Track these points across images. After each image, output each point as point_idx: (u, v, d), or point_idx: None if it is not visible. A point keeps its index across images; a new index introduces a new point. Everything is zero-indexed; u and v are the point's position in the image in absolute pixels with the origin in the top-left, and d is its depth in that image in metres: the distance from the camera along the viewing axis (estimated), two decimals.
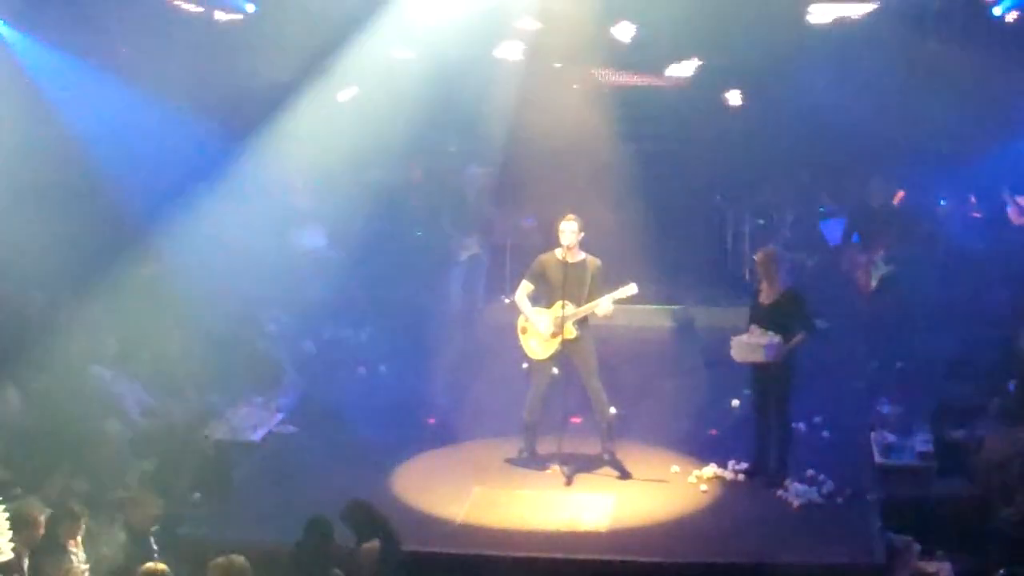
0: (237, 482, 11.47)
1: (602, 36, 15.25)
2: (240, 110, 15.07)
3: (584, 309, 11.40)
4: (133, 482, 10.96)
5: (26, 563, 8.92)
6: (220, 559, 8.46)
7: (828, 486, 11.22)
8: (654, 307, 15.19)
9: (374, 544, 9.25)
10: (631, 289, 11.42)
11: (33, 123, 13.34)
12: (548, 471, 11.59)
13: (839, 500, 11.10)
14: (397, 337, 15.06)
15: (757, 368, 11.39)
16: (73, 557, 9.15)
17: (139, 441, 11.58)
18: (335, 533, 9.28)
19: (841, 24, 14.94)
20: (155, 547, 9.56)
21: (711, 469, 11.60)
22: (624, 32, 15.23)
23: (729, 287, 15.85)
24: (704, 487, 11.39)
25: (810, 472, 11.41)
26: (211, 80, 14.81)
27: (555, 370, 11.56)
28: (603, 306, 11.34)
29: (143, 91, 14.16)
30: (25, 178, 13.09)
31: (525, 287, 11.64)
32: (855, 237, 15.23)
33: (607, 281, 11.51)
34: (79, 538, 9.29)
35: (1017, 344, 12.61)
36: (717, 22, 14.81)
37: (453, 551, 10.21)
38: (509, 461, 11.84)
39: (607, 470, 11.64)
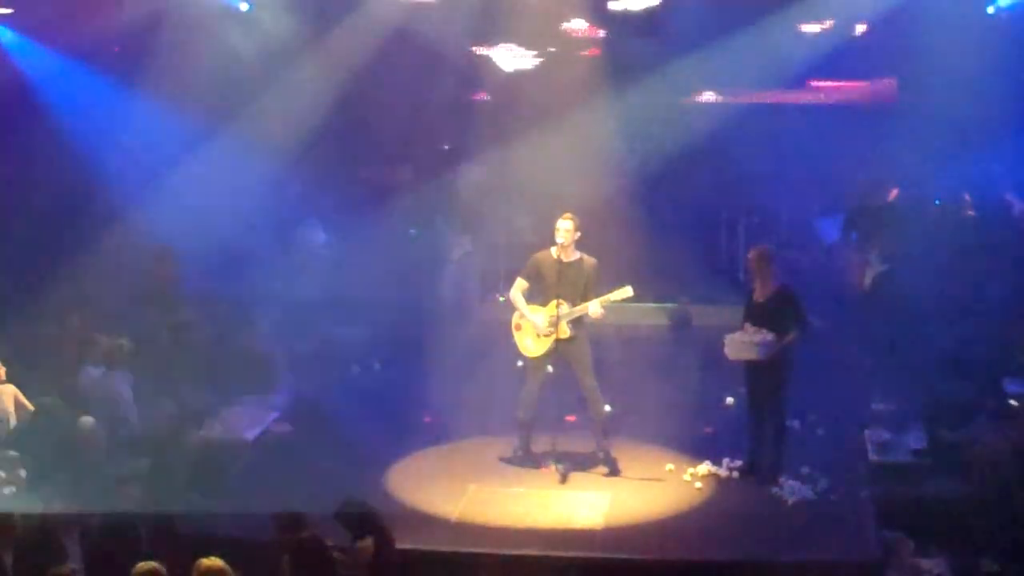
0: (231, 481, 11.46)
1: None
2: (236, 108, 15.07)
3: (578, 310, 11.36)
4: (124, 481, 10.97)
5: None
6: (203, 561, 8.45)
7: (822, 483, 11.23)
8: (649, 305, 15.19)
9: (368, 542, 9.23)
10: (626, 292, 11.38)
11: (30, 124, 13.36)
12: (543, 469, 11.59)
13: (833, 497, 11.10)
14: (391, 335, 15.06)
15: (751, 366, 11.39)
16: (67, 555, 9.15)
17: (134, 440, 11.58)
18: (326, 531, 9.26)
19: None
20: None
21: (706, 467, 11.61)
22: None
23: (725, 285, 15.85)
24: (699, 485, 11.39)
25: (804, 469, 11.42)
26: (205, 78, 14.82)
27: (549, 368, 11.55)
28: (593, 309, 11.28)
29: (137, 88, 14.16)
30: (22, 178, 13.12)
31: (520, 284, 11.63)
32: (853, 236, 15.24)
33: (604, 280, 11.48)
34: (76, 536, 9.29)
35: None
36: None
37: (448, 549, 10.20)
38: (504, 459, 11.83)
39: (602, 468, 11.63)
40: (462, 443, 12.35)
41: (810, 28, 15.59)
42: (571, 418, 12.19)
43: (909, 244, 14.92)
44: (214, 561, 8.34)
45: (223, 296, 14.21)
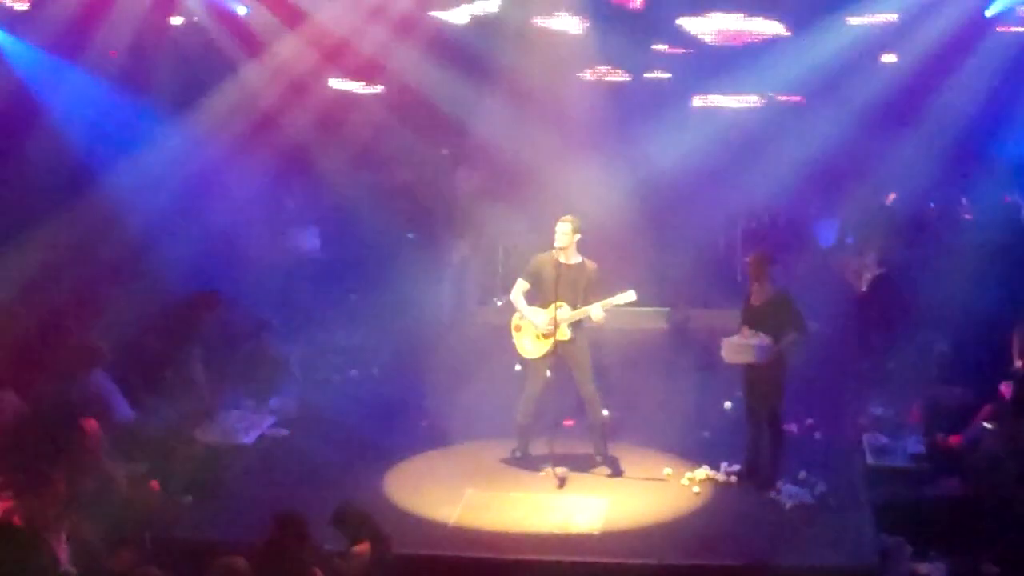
0: (229, 485, 11.45)
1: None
2: (235, 115, 15.10)
3: (577, 313, 11.34)
4: (122, 483, 10.95)
5: None
6: (221, 560, 8.42)
7: (820, 488, 11.22)
8: (648, 309, 15.19)
9: (365, 547, 9.22)
10: (629, 296, 11.32)
11: (27, 128, 13.37)
12: (541, 473, 11.58)
13: (831, 502, 11.09)
14: (389, 339, 15.06)
15: (749, 370, 11.38)
16: (61, 556, 9.13)
17: (130, 443, 11.56)
18: (322, 534, 9.24)
19: None
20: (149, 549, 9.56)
21: (703, 471, 11.60)
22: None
23: (723, 289, 15.86)
24: (697, 489, 11.38)
25: (802, 474, 11.41)
26: (205, 85, 14.85)
27: (548, 372, 11.54)
28: (595, 312, 11.25)
29: (138, 97, 14.18)
30: (20, 183, 13.12)
31: (521, 285, 11.61)
32: (849, 239, 15.27)
33: (605, 285, 11.45)
34: (64, 537, 9.27)
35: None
36: None
37: (445, 554, 10.18)
38: (502, 463, 11.82)
39: (600, 472, 11.63)
40: (460, 447, 12.33)
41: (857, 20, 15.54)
42: (569, 422, 12.19)
43: (905, 248, 14.96)
44: (235, 560, 8.31)
45: (222, 300, 14.21)
